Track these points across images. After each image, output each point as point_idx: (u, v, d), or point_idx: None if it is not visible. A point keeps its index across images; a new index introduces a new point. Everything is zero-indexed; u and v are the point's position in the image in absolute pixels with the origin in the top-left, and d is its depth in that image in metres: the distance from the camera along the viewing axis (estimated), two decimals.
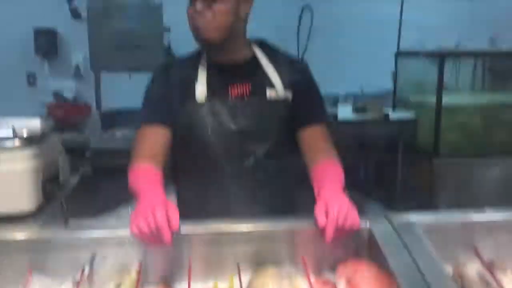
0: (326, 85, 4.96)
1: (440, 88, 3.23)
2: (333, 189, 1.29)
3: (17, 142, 1.24)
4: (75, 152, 3.16)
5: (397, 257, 1.12)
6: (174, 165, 1.58)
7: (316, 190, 1.33)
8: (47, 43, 4.90)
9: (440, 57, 3.22)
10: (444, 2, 5.28)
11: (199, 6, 1.39)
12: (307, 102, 1.52)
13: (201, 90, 1.48)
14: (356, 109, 3.73)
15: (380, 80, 4.92)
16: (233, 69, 1.52)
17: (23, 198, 1.25)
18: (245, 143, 1.48)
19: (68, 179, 1.60)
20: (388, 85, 4.50)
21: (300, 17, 4.79)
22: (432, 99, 3.30)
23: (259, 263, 1.23)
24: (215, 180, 1.50)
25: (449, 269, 1.21)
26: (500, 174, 3.27)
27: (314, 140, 1.49)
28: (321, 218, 1.19)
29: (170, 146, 1.48)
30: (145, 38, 3.37)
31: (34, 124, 1.37)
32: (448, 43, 4.96)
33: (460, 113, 3.36)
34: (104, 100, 3.66)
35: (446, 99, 3.27)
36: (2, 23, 4.78)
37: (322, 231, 1.19)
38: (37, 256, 1.13)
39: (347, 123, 3.56)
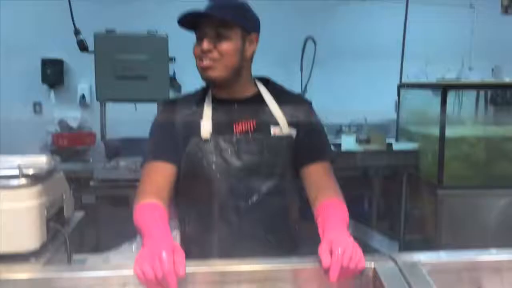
0: (330, 115, 5.01)
1: (443, 119, 3.24)
2: (338, 229, 1.28)
3: (22, 181, 1.24)
4: (79, 181, 3.18)
5: None
6: (179, 201, 1.58)
7: (320, 230, 1.33)
8: (54, 73, 4.99)
9: (443, 89, 3.25)
10: (446, 33, 5.35)
11: (205, 46, 1.42)
12: (311, 139, 1.53)
13: (206, 126, 1.49)
14: (359, 140, 3.74)
15: (383, 110, 4.95)
16: (238, 106, 1.53)
17: (27, 237, 1.25)
18: (250, 180, 1.49)
19: (72, 214, 1.61)
20: (391, 114, 4.53)
21: (303, 48, 4.84)
22: (435, 130, 3.31)
23: None
24: (219, 216, 1.50)
25: None
26: (504, 206, 3.25)
27: (318, 178, 1.49)
28: (325, 258, 1.19)
29: (175, 182, 1.48)
30: (151, 69, 3.41)
31: (40, 161, 1.38)
32: (450, 73, 5.02)
33: (463, 144, 3.37)
34: (108, 129, 3.69)
35: (449, 131, 3.28)
36: (11, 53, 4.87)
37: (326, 272, 1.18)
38: None
39: (350, 153, 3.57)
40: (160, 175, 1.45)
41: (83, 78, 5.02)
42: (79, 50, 3.61)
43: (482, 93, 3.66)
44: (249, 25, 1.48)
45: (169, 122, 1.52)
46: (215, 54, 1.42)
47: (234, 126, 1.51)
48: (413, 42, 4.50)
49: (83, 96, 5.06)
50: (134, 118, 3.87)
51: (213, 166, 1.48)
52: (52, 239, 1.39)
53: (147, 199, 1.38)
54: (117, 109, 3.64)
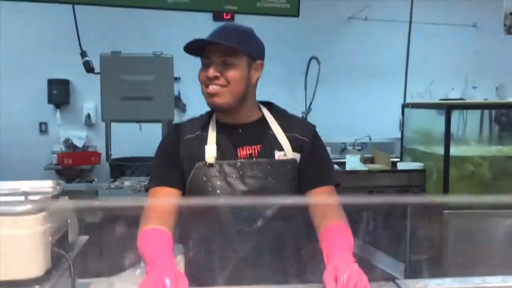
0: (334, 134, 5.02)
1: (447, 139, 3.24)
2: (343, 255, 1.28)
3: (27, 207, 1.25)
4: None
5: None
6: (183, 226, 1.58)
7: (325, 255, 1.32)
8: (60, 93, 5.04)
9: (447, 109, 3.25)
10: (450, 53, 5.38)
11: (212, 73, 1.43)
12: (315, 164, 1.54)
13: (210, 151, 1.50)
14: (364, 159, 3.73)
15: (387, 129, 4.96)
16: (242, 131, 1.54)
17: (31, 264, 1.25)
18: (254, 204, 1.49)
19: (77, 239, 1.60)
20: (396, 133, 4.53)
21: (307, 68, 4.87)
22: (440, 150, 3.31)
23: None
24: (223, 241, 1.49)
25: None
26: (510, 226, 3.23)
27: (323, 203, 1.49)
28: (330, 286, 1.18)
29: (179, 207, 1.49)
30: (156, 90, 3.43)
31: (45, 186, 1.38)
32: (454, 92, 5.03)
33: (468, 164, 3.35)
34: (114, 148, 3.70)
35: (454, 150, 3.28)
36: (18, 73, 4.94)
37: None
38: None
39: (355, 172, 3.55)
40: (164, 200, 1.45)
41: (88, 98, 5.07)
42: (85, 71, 3.65)
43: (486, 112, 3.65)
44: (254, 52, 1.49)
45: (174, 146, 1.53)
46: (221, 81, 1.44)
47: (238, 151, 1.52)
48: (417, 61, 4.51)
49: (88, 116, 5.10)
50: (139, 138, 3.89)
51: (218, 191, 1.48)
52: (56, 265, 1.39)
53: (151, 224, 1.39)
54: (122, 129, 3.67)
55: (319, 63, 4.62)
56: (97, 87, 3.44)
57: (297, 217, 1.54)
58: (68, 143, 5.12)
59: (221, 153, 1.51)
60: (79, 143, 5.12)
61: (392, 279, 1.36)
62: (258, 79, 1.52)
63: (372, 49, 5.33)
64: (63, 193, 1.53)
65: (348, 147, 4.81)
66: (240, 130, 1.54)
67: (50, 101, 5.04)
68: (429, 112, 3.70)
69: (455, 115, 3.38)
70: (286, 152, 1.52)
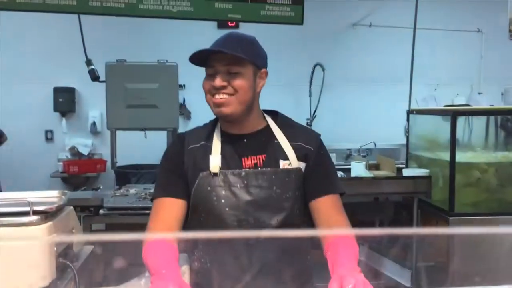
0: (339, 140, 5.00)
1: (453, 145, 3.23)
2: (348, 265, 1.28)
3: (33, 218, 1.26)
4: (89, 209, 3.19)
5: None
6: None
7: (330, 265, 1.32)
8: (66, 101, 5.06)
9: (453, 115, 3.24)
10: (455, 58, 5.37)
11: (219, 83, 1.43)
12: (320, 172, 1.53)
13: (215, 160, 1.50)
14: (369, 166, 3.72)
15: (392, 135, 4.95)
16: (247, 140, 1.54)
17: (37, 274, 1.25)
18: (259, 214, 1.48)
19: (82, 249, 1.61)
20: (401, 139, 4.52)
21: (312, 74, 4.88)
22: (445, 156, 3.29)
23: None
24: (228, 251, 1.49)
25: None
26: None
27: (327, 211, 1.49)
28: None
29: (184, 217, 1.49)
30: (161, 97, 3.44)
31: (51, 197, 1.39)
32: (460, 98, 5.01)
33: (474, 170, 3.34)
34: (119, 156, 3.71)
35: (460, 156, 3.26)
36: (25, 81, 4.97)
37: None
38: None
39: (360, 179, 3.54)
40: (168, 211, 1.45)
41: (94, 106, 5.09)
42: (90, 79, 3.67)
43: (492, 118, 3.64)
44: (259, 61, 1.50)
45: (178, 156, 1.53)
46: (229, 90, 1.44)
47: (243, 161, 1.51)
48: (422, 67, 4.51)
49: (94, 124, 5.12)
50: (144, 145, 3.91)
51: (222, 200, 1.48)
52: (61, 275, 1.40)
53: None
54: (128, 137, 3.68)
55: (323, 70, 4.63)
56: (103, 95, 3.46)
57: (302, 226, 1.53)
58: (73, 151, 5.14)
59: (226, 163, 1.50)
60: (84, 151, 5.14)
61: None
62: (261, 87, 1.52)
63: (376, 55, 5.32)
64: (68, 202, 1.54)
65: (353, 154, 4.80)
66: (245, 140, 1.54)
67: (56, 109, 5.06)
68: (435, 118, 3.69)
69: (461, 121, 3.37)
70: (291, 161, 1.51)
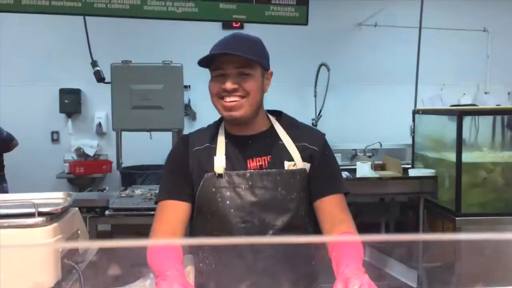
0: (344, 140, 4.99)
1: (459, 145, 3.21)
2: (353, 266, 1.27)
3: (38, 219, 1.26)
4: (94, 210, 3.20)
5: None
6: (193, 237, 1.57)
7: (335, 267, 1.31)
8: (72, 102, 5.08)
9: (459, 115, 3.22)
10: (461, 58, 5.34)
11: (230, 86, 1.42)
12: (324, 172, 1.52)
13: (219, 162, 1.50)
14: (375, 166, 3.71)
15: (398, 135, 4.93)
16: (252, 141, 1.53)
17: (42, 275, 1.26)
18: (264, 215, 1.48)
19: (87, 250, 1.61)
20: (407, 139, 4.50)
21: (317, 75, 4.87)
22: (452, 156, 3.28)
23: None
24: (233, 252, 1.49)
25: None
26: None
27: (332, 211, 1.48)
28: None
29: (189, 218, 1.49)
30: (166, 98, 3.44)
31: (56, 198, 1.40)
32: (466, 97, 4.99)
33: (481, 170, 3.32)
34: (124, 157, 3.72)
35: (466, 156, 3.24)
36: (31, 83, 5.00)
37: None
38: None
39: (365, 179, 3.53)
40: (172, 213, 1.45)
41: (99, 107, 5.11)
42: (96, 81, 3.68)
43: (498, 118, 3.62)
44: (266, 62, 1.49)
45: (183, 158, 1.52)
46: (241, 92, 1.42)
47: (248, 162, 1.51)
48: (428, 67, 4.49)
49: (99, 125, 5.14)
50: (150, 146, 3.91)
51: (227, 201, 1.47)
52: (67, 276, 1.40)
53: (161, 238, 1.38)
54: (133, 137, 3.68)
55: (328, 70, 4.62)
56: (108, 96, 3.46)
57: (308, 227, 1.53)
58: (79, 151, 5.16)
59: (231, 165, 1.50)
60: (90, 152, 5.16)
61: None
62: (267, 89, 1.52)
63: (382, 55, 5.31)
64: (74, 203, 1.54)
65: (358, 154, 4.79)
66: (250, 142, 1.53)
67: (61, 110, 5.09)
68: (441, 118, 3.67)
69: (467, 121, 3.35)
70: (296, 162, 1.50)
